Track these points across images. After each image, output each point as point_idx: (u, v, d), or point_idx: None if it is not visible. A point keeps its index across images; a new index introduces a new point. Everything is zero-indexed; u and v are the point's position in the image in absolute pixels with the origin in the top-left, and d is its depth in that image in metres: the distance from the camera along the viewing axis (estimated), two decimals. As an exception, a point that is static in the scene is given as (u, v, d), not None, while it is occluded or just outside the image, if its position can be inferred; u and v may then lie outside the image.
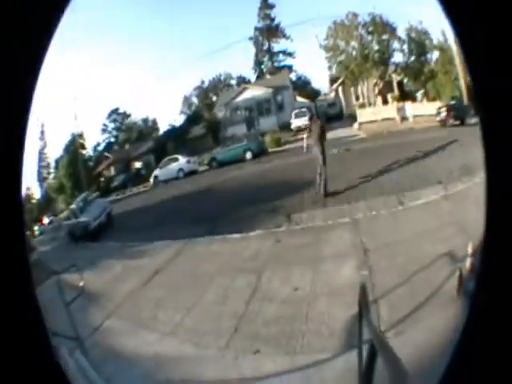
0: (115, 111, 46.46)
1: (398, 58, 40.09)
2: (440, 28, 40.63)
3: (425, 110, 29.66)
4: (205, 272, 9.83)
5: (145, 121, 52.09)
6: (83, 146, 36.75)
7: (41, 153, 37.17)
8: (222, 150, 32.29)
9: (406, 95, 38.67)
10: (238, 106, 43.44)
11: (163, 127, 48.50)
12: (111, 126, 46.17)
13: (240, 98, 43.67)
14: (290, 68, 60.61)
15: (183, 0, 53.54)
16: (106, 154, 41.00)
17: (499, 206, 1.64)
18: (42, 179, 37.29)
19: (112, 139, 45.96)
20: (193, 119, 45.47)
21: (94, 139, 44.00)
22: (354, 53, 39.25)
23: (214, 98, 54.66)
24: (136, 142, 44.39)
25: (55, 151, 38.89)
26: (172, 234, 13.62)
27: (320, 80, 56.76)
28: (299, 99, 49.79)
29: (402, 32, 39.01)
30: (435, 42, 40.15)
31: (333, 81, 46.75)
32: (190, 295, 8.92)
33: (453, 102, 28.24)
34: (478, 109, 1.62)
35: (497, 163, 1.67)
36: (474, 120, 26.83)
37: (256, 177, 20.41)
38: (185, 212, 17.37)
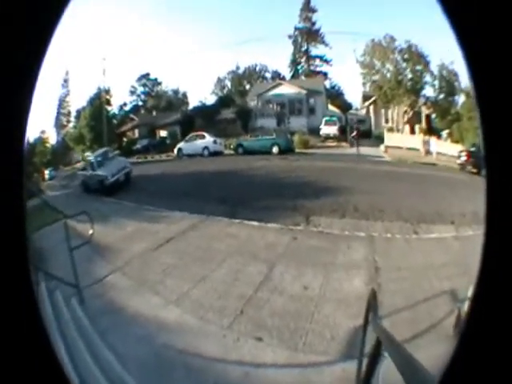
0: (146, 76, 46.11)
1: (428, 92, 39.96)
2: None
3: (448, 149, 29.59)
4: (218, 250, 9.92)
5: (175, 92, 51.71)
6: (109, 103, 36.25)
7: (62, 100, 36.90)
8: (249, 138, 32.25)
9: (432, 130, 38.66)
10: (270, 100, 43.31)
11: (193, 103, 48.11)
12: (140, 89, 45.73)
13: (273, 92, 43.50)
14: (325, 75, 59.96)
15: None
16: (132, 115, 40.82)
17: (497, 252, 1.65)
18: (59, 126, 37.15)
19: (140, 103, 45.62)
20: (224, 102, 45.15)
21: (121, 98, 43.53)
22: (388, 75, 38.12)
23: (248, 87, 54.42)
24: (164, 110, 43.89)
25: (78, 101, 38.39)
26: (191, 207, 13.63)
27: (353, 94, 56.02)
28: (331, 108, 49.61)
29: (434, 67, 39.00)
30: (463, 85, 40.37)
31: (365, 98, 46.40)
32: (200, 269, 8.99)
33: (473, 149, 28.28)
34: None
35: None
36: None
37: (281, 172, 20.37)
38: (206, 189, 17.12)
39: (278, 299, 7.54)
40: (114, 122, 37.55)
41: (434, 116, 41.51)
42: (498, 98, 1.51)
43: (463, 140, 33.56)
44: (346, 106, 53.13)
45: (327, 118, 37.88)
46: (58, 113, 36.83)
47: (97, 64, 33.76)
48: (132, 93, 45.62)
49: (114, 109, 38.50)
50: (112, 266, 9.63)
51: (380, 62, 38.29)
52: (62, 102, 36.84)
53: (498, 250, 1.55)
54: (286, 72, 59.67)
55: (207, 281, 8.42)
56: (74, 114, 36.98)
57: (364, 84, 40.98)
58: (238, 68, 58.01)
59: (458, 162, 25.65)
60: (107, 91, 35.37)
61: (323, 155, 25.23)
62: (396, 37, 38.78)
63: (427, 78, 37.84)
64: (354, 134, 32.08)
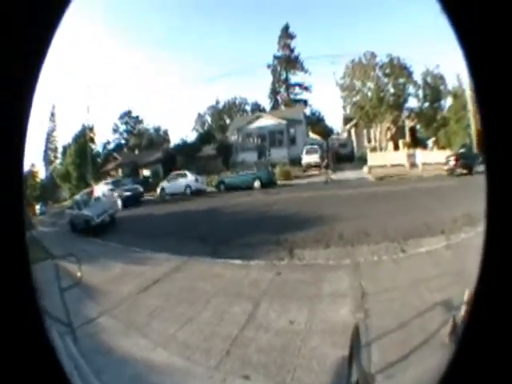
0: (128, 114, 46.87)
1: (412, 103, 40.16)
2: (455, 72, 41.00)
3: (434, 157, 29.98)
4: (203, 291, 9.90)
5: (157, 130, 52.61)
6: (93, 140, 37.22)
7: (49, 135, 37.50)
8: (231, 174, 32.56)
9: (417, 142, 38.72)
10: (250, 133, 43.67)
11: (174, 140, 48.82)
12: (122, 127, 46.73)
13: (253, 125, 44.04)
14: (305, 102, 60.61)
15: (212, 19, 53.88)
16: (115, 154, 41.44)
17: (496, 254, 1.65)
18: (48, 161, 37.64)
19: (122, 141, 46.43)
20: (205, 138, 45.89)
21: (105, 136, 44.49)
22: (369, 94, 39.10)
23: (228, 121, 54.89)
24: (146, 148, 44.95)
25: (64, 137, 39.27)
26: (174, 248, 13.79)
27: (334, 118, 56.66)
28: (312, 135, 49.86)
29: (418, 76, 39.31)
30: (450, 87, 40.46)
31: (346, 121, 46.76)
32: (186, 310, 8.96)
33: (462, 151, 28.48)
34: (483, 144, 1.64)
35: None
36: (482, 168, 27.28)
37: (263, 206, 20.59)
38: (189, 228, 17.50)
39: (263, 336, 7.49)
40: (98, 160, 38.06)
41: (418, 127, 41.89)
42: (498, 97, 1.52)
43: (451, 144, 33.87)
44: (327, 132, 53.47)
45: (308, 147, 38.12)
46: (46, 147, 37.66)
47: (81, 99, 34.50)
48: (115, 131, 46.16)
49: (97, 147, 39.27)
50: (101, 308, 9.68)
51: (360, 82, 39.24)
52: (49, 137, 37.66)
53: (498, 249, 1.55)
54: (266, 103, 60.07)
55: (193, 322, 8.36)
56: (60, 149, 37.92)
57: (344, 107, 42.41)
58: (217, 103, 58.65)
59: (446, 167, 25.99)
60: (91, 129, 36.27)
61: (305, 185, 25.43)
62: (377, 52, 39.29)
63: (410, 89, 38.93)
64: (324, 163, 32.53)
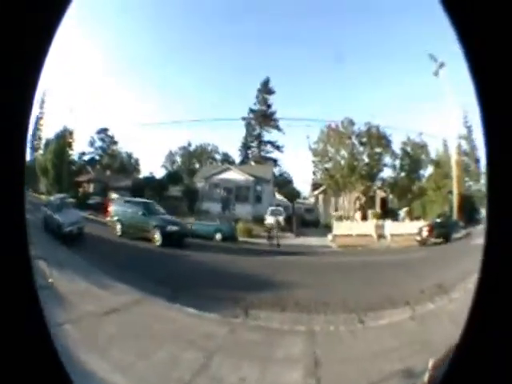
0: (105, 131, 46.95)
1: (387, 173, 40.08)
2: (441, 138, 41.19)
3: (405, 228, 30.31)
4: (159, 332, 9.96)
5: (129, 156, 52.74)
6: (70, 146, 37.54)
7: (37, 121, 37.39)
8: (194, 221, 32.41)
9: (387, 213, 38.47)
10: (217, 184, 43.55)
11: (144, 171, 49.27)
12: (98, 143, 46.76)
13: (221, 176, 43.81)
14: (275, 161, 60.27)
15: (197, 56, 54.65)
16: (89, 168, 41.94)
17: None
18: (33, 146, 37.80)
19: (96, 157, 46.47)
20: (173, 178, 45.99)
21: (82, 147, 44.62)
22: (342, 162, 39.34)
23: (197, 166, 54.97)
24: (117, 172, 45.82)
25: (48, 129, 39.00)
26: (135, 282, 13.64)
27: (302, 182, 56.72)
28: (278, 196, 49.80)
29: (397, 145, 39.33)
30: (433, 155, 40.63)
31: (315, 186, 46.48)
32: (142, 346, 9.06)
33: (438, 220, 29.32)
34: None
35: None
36: (462, 233, 27.11)
37: (223, 261, 20.56)
38: (152, 267, 17.43)
39: (214, 387, 7.49)
40: (73, 167, 38.47)
41: (390, 197, 41.78)
42: (500, 98, 1.62)
43: (426, 214, 33.97)
44: (294, 195, 53.33)
45: (273, 208, 38.26)
46: (34, 132, 37.31)
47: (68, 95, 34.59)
48: (91, 144, 46.16)
49: (74, 154, 39.55)
50: (66, 317, 9.73)
51: (334, 149, 39.40)
52: (37, 123, 37.28)
53: (499, 262, 1.65)
54: (237, 155, 60.11)
55: (149, 360, 8.45)
56: (43, 141, 38.12)
57: (315, 172, 42.77)
58: (189, 145, 58.56)
59: (418, 238, 26.35)
60: (71, 133, 36.29)
61: (266, 246, 25.63)
62: (355, 119, 39.34)
63: (387, 159, 38.96)
64: (274, 232, 31.69)
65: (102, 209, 33.53)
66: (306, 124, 43.98)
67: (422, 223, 29.05)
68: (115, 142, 49.89)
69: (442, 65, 36.23)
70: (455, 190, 33.59)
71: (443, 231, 26.61)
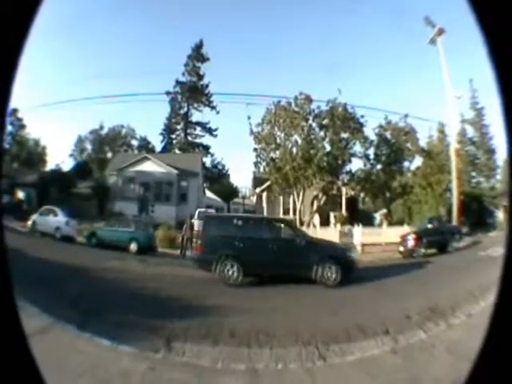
0: (14, 112, 46.85)
1: (356, 165, 39.26)
2: (435, 122, 40.95)
3: (381, 236, 30.77)
4: (70, 365, 9.53)
5: (36, 143, 52.59)
6: None
7: None
8: (105, 226, 32.81)
9: (357, 216, 37.91)
10: (132, 178, 43.40)
11: (50, 162, 50.05)
12: (8, 128, 46.77)
13: (136, 168, 44.58)
14: (206, 149, 59.97)
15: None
16: None
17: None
18: None
19: (6, 145, 46.58)
20: (81, 171, 46.35)
21: None
22: (294, 150, 38.17)
23: (109, 155, 54.36)
24: (24, 163, 49.11)
25: None
26: (42, 304, 13.29)
27: (241, 176, 56.67)
28: (209, 194, 49.34)
29: (371, 130, 39.30)
30: (422, 143, 40.57)
31: (258, 182, 45.76)
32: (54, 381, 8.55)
33: (429, 226, 28.95)
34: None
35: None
36: (464, 242, 27.09)
37: (139, 279, 20.43)
38: (58, 285, 17.25)
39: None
40: None
41: (361, 196, 41.14)
42: None
43: (412, 217, 33.75)
44: (229, 192, 52.98)
45: (202, 210, 37.36)
46: None
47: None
48: (0, 129, 46.72)
49: None
50: None
51: (283, 133, 38.80)
52: None
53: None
54: (158, 140, 59.40)
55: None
56: None
57: (257, 164, 41.68)
58: (101, 127, 58.14)
59: (401, 249, 26.82)
60: None
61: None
62: (313, 96, 38.44)
63: (356, 147, 38.82)
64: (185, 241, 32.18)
65: (12, 211, 34.25)
66: (247, 101, 43.15)
67: (405, 229, 29.60)
68: (23, 126, 49.87)
69: (440, 31, 36.18)
70: (455, 188, 33.33)
71: (437, 239, 26.52)
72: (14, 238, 25.69)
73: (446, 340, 10.73)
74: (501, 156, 43.55)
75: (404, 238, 27.18)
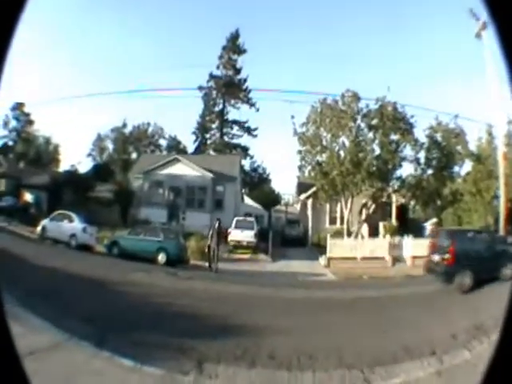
0: (20, 106, 47.25)
1: (407, 170, 38.28)
2: (484, 123, 39.96)
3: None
4: None
5: (47, 141, 52.66)
6: None
7: None
8: (128, 235, 32.34)
9: (407, 226, 37.20)
10: (161, 182, 42.97)
11: (64, 163, 49.88)
12: (13, 123, 47.34)
13: (166, 171, 44.67)
14: (244, 150, 59.06)
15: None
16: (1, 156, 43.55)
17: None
18: None
19: (10, 142, 47.07)
20: (101, 172, 46.26)
21: None
22: (341, 153, 37.45)
23: (134, 155, 54.03)
24: (32, 164, 47.81)
25: None
26: (52, 316, 13.43)
27: (284, 181, 56.13)
28: (248, 201, 48.71)
29: (421, 132, 38.42)
30: (472, 146, 39.83)
31: (303, 188, 45.24)
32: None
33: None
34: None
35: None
36: None
37: (167, 295, 20.24)
38: (71, 297, 17.19)
39: None
40: None
41: (412, 204, 40.32)
42: None
43: (462, 226, 33.05)
44: (271, 200, 52.14)
45: (240, 219, 38.07)
46: None
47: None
48: (5, 124, 46.77)
49: None
50: None
51: (330, 134, 38.24)
52: None
53: None
54: (189, 141, 58.91)
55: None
56: None
57: (302, 168, 41.07)
58: (124, 125, 57.78)
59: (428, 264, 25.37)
60: None
61: (230, 273, 25.57)
62: (361, 94, 38.14)
63: (407, 150, 38.02)
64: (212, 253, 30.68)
65: (17, 214, 34.42)
66: (289, 98, 42.63)
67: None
68: (31, 122, 50.04)
69: (484, 25, 35.36)
70: (502, 195, 32.91)
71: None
72: (21, 244, 26.91)
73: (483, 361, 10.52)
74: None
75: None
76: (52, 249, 30.10)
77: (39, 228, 33.48)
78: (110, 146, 58.14)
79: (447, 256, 23.41)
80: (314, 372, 11.21)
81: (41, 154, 49.22)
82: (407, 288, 22.70)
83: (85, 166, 51.12)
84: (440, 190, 36.81)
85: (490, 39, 33.19)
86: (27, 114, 49.76)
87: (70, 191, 40.51)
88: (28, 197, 42.01)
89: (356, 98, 38.12)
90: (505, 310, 3.43)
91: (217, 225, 31.60)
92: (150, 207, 41.20)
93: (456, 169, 37.51)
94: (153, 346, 12.56)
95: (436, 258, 24.55)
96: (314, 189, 41.67)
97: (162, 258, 29.87)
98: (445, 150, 37.45)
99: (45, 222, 33.70)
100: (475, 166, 38.22)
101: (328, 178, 37.46)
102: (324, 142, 38.73)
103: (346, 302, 20.45)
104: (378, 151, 37.46)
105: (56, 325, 12.93)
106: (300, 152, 40.07)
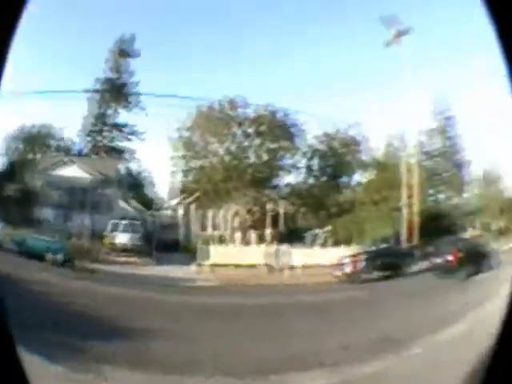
0: None
1: (293, 177, 38.45)
2: (389, 132, 40.13)
3: (325, 257, 29.46)
4: None
5: None
6: None
7: None
8: (35, 235, 32.05)
9: (297, 234, 37.38)
10: (53, 183, 42.48)
11: None
12: None
13: (58, 172, 44.37)
14: (124, 153, 58.28)
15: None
16: None
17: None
18: None
19: None
20: (10, 172, 45.29)
21: None
22: (225, 158, 38.35)
23: (38, 156, 53.19)
24: None
25: None
26: None
27: (167, 186, 55.34)
28: (122, 204, 47.99)
29: (313, 137, 39.48)
30: (369, 155, 40.68)
31: (186, 192, 44.90)
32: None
33: (380, 247, 29.66)
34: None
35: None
36: (419, 266, 27.55)
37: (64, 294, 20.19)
38: None
39: None
40: None
41: (302, 212, 40.10)
42: None
43: (361, 236, 32.80)
44: (152, 202, 51.58)
45: (114, 222, 37.59)
46: None
47: None
48: None
49: None
50: None
51: (203, 142, 39.41)
52: None
53: None
54: (84, 143, 57.96)
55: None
56: None
57: (186, 172, 41.91)
58: (33, 126, 56.34)
59: (338, 273, 26.43)
60: None
61: (115, 276, 26.19)
62: (249, 99, 38.14)
63: (296, 157, 39.26)
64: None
65: None
66: (176, 104, 41.95)
67: (345, 251, 29.00)
68: None
69: (401, 33, 35.77)
70: (416, 204, 34.29)
71: (390, 261, 26.87)
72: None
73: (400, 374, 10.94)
74: (474, 169, 43.46)
75: (342, 261, 26.96)
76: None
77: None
78: (20, 145, 57.16)
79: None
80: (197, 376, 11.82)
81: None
82: (298, 295, 22.80)
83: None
84: (333, 197, 37.14)
85: (404, 48, 34.00)
86: None
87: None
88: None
89: (233, 105, 38.70)
90: (505, 309, 3.70)
91: (89, 226, 33.75)
92: (49, 207, 40.79)
93: (357, 177, 38.56)
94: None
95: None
96: (196, 194, 41.53)
97: (60, 257, 29.63)
98: (338, 157, 38.37)
99: None
100: (377, 174, 38.59)
101: (209, 183, 38.27)
102: (197, 148, 39.55)
103: (221, 309, 20.42)
104: (265, 156, 38.52)
105: None
106: (180, 157, 40.90)
